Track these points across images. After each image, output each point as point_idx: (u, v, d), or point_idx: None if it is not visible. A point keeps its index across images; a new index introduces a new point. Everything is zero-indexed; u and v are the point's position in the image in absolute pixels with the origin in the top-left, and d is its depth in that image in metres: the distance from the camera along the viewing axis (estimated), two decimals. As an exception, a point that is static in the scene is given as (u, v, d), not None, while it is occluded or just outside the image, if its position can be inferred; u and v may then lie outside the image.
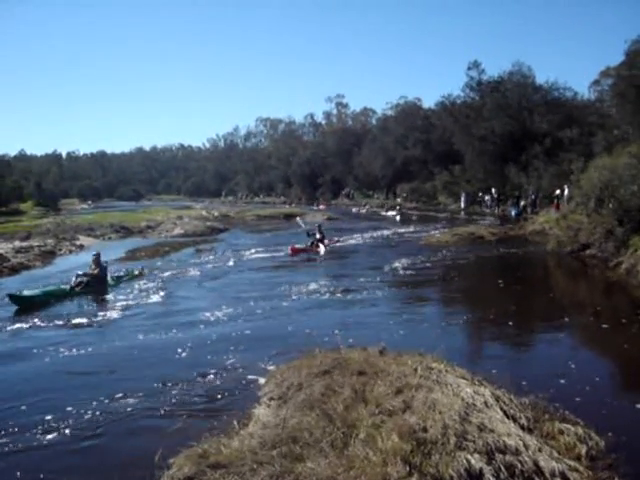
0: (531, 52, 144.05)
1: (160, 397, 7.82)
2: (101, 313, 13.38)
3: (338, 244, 26.70)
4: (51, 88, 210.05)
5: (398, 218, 42.40)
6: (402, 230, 33.05)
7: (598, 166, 20.26)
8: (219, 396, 7.81)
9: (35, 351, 10.27)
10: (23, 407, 7.58)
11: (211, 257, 22.90)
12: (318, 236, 24.59)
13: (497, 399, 6.35)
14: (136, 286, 16.53)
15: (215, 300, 14.57)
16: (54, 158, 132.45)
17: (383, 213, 49.66)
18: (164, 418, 7.11)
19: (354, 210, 57.53)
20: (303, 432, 5.47)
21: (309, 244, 24.35)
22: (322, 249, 23.98)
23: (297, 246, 23.86)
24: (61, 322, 12.37)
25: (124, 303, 14.28)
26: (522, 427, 5.88)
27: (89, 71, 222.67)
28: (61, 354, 10.04)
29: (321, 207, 62.41)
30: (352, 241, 28.20)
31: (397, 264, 19.28)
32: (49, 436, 6.70)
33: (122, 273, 18.01)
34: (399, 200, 59.91)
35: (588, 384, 7.92)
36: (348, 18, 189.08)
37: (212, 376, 8.60)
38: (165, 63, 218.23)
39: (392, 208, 51.24)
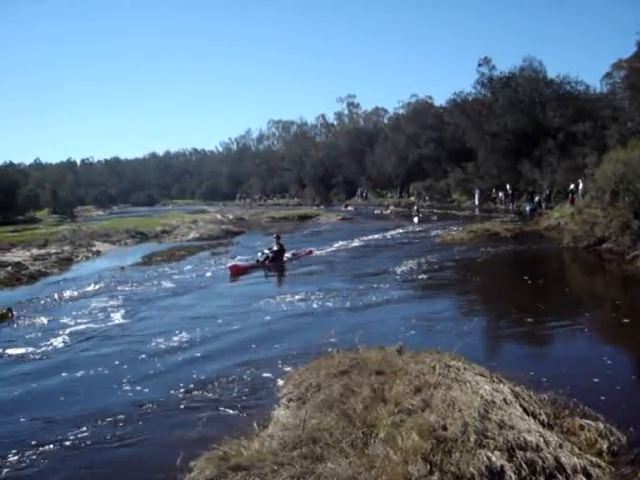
0: (542, 46, 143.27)
1: (179, 400, 7.87)
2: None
3: (316, 254, 23.70)
4: (64, 96, 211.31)
5: (416, 220, 37.98)
6: (417, 229, 32.98)
7: (612, 159, 20.14)
8: (238, 398, 7.83)
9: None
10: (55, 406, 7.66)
11: (228, 261, 22.95)
12: (275, 248, 21.14)
13: (516, 396, 6.34)
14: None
15: (229, 302, 14.65)
16: (69, 166, 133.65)
17: (415, 220, 38.32)
18: (184, 421, 7.14)
19: (376, 212, 52.06)
20: (323, 433, 5.49)
21: (261, 259, 20.79)
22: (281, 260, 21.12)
23: (241, 264, 20.58)
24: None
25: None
26: (542, 423, 5.86)
27: (101, 77, 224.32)
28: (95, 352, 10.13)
29: (349, 208, 59.15)
30: (365, 241, 28.13)
31: (413, 263, 19.23)
32: (66, 442, 6.76)
33: None
34: (413, 199, 59.77)
35: (608, 379, 7.87)
36: (358, 17, 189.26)
37: (231, 378, 8.62)
38: (176, 67, 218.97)
39: (410, 207, 46.76)
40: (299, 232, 35.85)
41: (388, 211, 51.01)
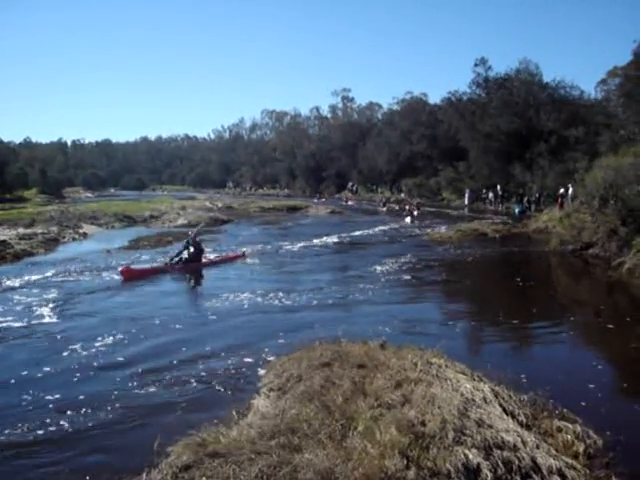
0: (538, 50, 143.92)
1: (159, 386, 7.83)
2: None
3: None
4: (57, 76, 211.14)
5: (408, 220, 34.97)
6: (407, 225, 33.02)
7: (603, 165, 20.20)
8: (218, 386, 7.81)
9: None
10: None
11: (214, 248, 22.87)
12: (192, 250, 17.93)
13: (496, 395, 6.36)
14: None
15: (212, 291, 14.61)
16: (59, 146, 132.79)
17: (407, 221, 35.23)
18: (163, 407, 7.12)
19: (380, 209, 48.57)
20: (302, 423, 5.49)
21: (173, 261, 17.69)
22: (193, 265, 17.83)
23: (137, 267, 17.39)
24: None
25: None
26: (520, 424, 5.88)
27: (95, 59, 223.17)
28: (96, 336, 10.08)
29: (350, 203, 57.56)
30: (354, 236, 28.15)
31: (399, 260, 19.26)
32: (50, 427, 6.73)
33: None
34: (403, 195, 59.79)
35: (588, 383, 7.91)
36: (355, 12, 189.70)
37: (212, 366, 8.60)
38: (172, 53, 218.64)
39: (403, 208, 43.11)
40: (288, 223, 35.85)
41: (384, 208, 48.63)
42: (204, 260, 18.57)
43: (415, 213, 37.72)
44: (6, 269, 17.91)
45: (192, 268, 17.62)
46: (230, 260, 19.52)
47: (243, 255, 20.23)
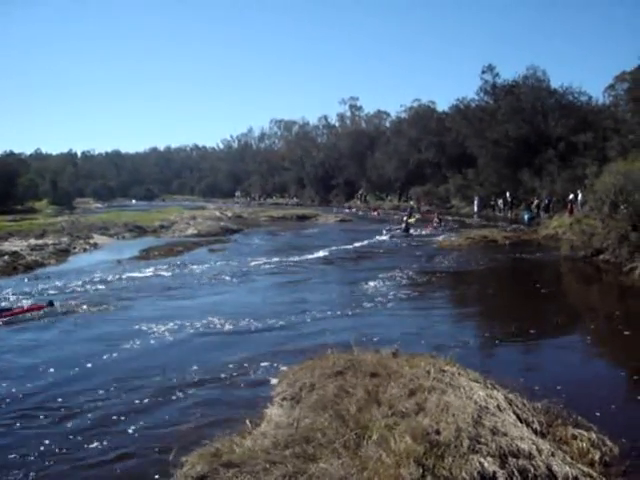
0: (545, 56, 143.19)
1: (173, 396, 7.86)
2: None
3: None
4: (66, 88, 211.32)
5: (435, 225, 35.05)
6: (415, 233, 32.94)
7: (612, 171, 20.14)
8: (232, 396, 7.83)
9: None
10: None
11: (225, 258, 22.90)
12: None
13: (510, 403, 6.34)
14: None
15: (225, 301, 14.65)
16: (69, 157, 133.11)
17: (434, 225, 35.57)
18: (177, 417, 7.14)
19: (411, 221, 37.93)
20: (316, 432, 5.49)
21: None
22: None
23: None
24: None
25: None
26: (535, 431, 5.86)
27: (104, 71, 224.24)
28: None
29: (374, 214, 52.88)
30: (364, 244, 28.14)
31: (410, 267, 19.24)
32: (59, 430, 6.77)
33: None
34: (412, 203, 59.67)
35: (603, 390, 7.88)
36: (363, 22, 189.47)
37: (225, 375, 8.62)
38: (180, 64, 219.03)
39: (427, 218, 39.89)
40: (297, 231, 35.88)
41: (412, 220, 38.18)
42: None
43: (437, 221, 37.45)
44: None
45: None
46: (16, 314, 13.29)
47: (47, 306, 13.77)
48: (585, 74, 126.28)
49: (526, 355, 10.21)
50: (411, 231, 32.83)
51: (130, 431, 6.82)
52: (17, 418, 7.24)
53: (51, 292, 15.68)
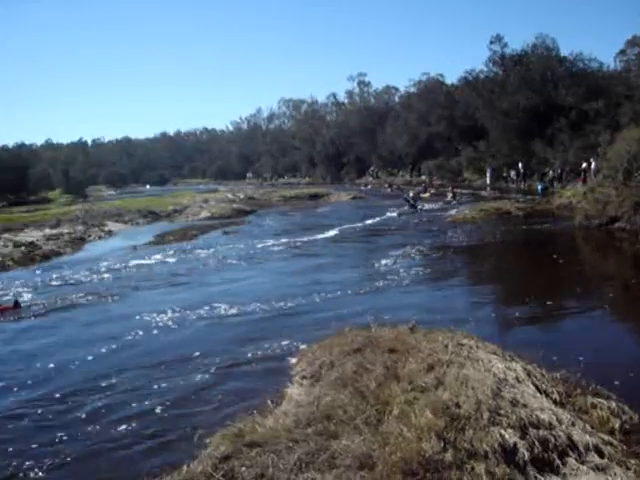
0: (554, 24, 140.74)
1: (194, 378, 7.95)
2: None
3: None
4: (74, 76, 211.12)
5: (449, 198, 35.69)
6: (427, 207, 32.81)
7: (625, 138, 19.94)
8: (252, 376, 7.92)
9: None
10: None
11: (240, 240, 22.98)
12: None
13: (529, 374, 6.35)
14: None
15: (242, 283, 14.74)
16: (80, 146, 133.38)
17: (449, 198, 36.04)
18: (199, 399, 7.24)
19: (423, 195, 39.17)
20: (337, 410, 5.53)
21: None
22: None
23: None
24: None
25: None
26: (554, 401, 5.88)
27: (111, 58, 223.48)
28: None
29: (389, 190, 51.04)
30: (376, 221, 28.10)
31: (424, 242, 19.23)
32: (84, 415, 6.89)
33: None
34: (424, 177, 59.40)
35: (621, 358, 7.89)
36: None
37: (244, 356, 8.71)
38: (186, 47, 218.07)
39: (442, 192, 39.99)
40: (310, 210, 35.88)
41: (427, 194, 40.72)
42: None
43: (452, 195, 37.39)
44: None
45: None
46: None
47: (14, 307, 13.15)
48: (595, 41, 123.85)
49: (544, 326, 10.20)
50: (419, 207, 32.42)
51: (156, 412, 6.95)
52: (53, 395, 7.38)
53: (74, 279, 15.86)
